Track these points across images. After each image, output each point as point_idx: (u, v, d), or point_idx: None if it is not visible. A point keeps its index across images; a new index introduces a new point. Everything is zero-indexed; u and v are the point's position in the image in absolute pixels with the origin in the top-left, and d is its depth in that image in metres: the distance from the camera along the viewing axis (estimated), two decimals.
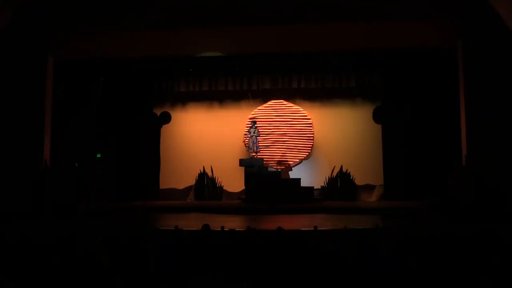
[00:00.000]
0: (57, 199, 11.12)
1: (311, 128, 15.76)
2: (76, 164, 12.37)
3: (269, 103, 16.10)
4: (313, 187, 14.16)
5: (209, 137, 15.60)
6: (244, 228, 8.19)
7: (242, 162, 14.47)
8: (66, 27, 11.19)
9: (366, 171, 14.00)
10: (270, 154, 15.33)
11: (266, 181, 13.71)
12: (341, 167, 14.21)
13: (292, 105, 15.96)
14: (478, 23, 10.18)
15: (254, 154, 14.63)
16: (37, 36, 11.07)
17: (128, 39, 11.70)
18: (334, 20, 11.01)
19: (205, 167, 15.56)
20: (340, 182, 14.36)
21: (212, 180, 15.09)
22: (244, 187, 14.43)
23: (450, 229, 8.61)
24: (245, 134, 15.52)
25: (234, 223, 9.52)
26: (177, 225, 8.31)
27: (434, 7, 10.49)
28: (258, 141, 14.73)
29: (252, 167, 14.18)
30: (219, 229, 6.46)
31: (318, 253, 4.05)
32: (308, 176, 14.78)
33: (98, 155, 12.99)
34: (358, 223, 9.70)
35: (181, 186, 15.14)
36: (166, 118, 16.27)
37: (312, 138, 15.66)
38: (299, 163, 15.34)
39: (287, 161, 15.28)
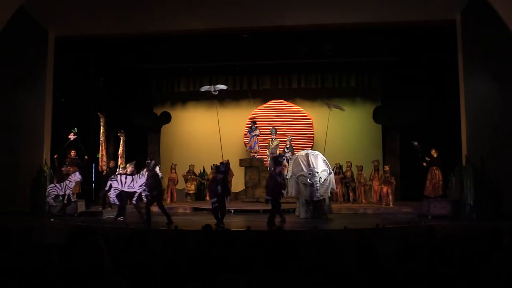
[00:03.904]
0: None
1: (311, 128, 15.76)
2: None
3: (269, 103, 16.11)
4: None
5: (209, 137, 15.58)
6: (244, 228, 8.22)
7: (242, 162, 14.46)
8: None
9: (366, 171, 13.98)
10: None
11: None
12: (341, 167, 14.20)
13: (292, 105, 15.97)
14: (478, 22, 10.18)
15: (254, 154, 14.62)
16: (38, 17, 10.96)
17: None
18: None
19: (205, 167, 15.56)
20: (340, 182, 14.33)
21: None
22: (244, 187, 14.43)
23: (450, 228, 8.64)
24: (245, 134, 15.52)
25: (234, 223, 9.54)
26: (177, 225, 8.36)
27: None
28: (258, 141, 14.72)
29: (252, 167, 14.18)
30: (219, 229, 6.45)
31: (318, 253, 4.05)
32: None
33: (98, 155, 12.98)
34: (358, 223, 9.72)
35: (181, 186, 15.12)
36: (166, 118, 16.29)
37: (312, 138, 15.67)
38: None
39: None
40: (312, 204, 10.48)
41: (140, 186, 10.51)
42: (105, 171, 12.33)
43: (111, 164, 12.55)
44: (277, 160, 9.80)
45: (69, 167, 11.46)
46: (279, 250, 3.39)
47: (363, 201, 13.72)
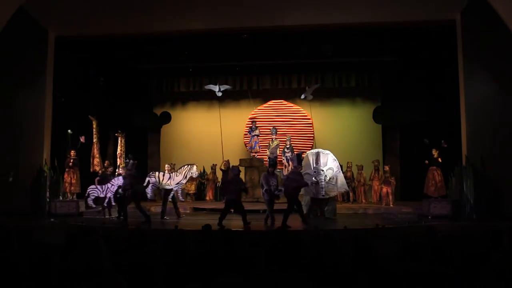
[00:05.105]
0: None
1: (311, 128, 15.77)
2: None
3: (269, 103, 16.12)
4: None
5: (209, 137, 15.60)
6: (244, 228, 8.21)
7: (242, 162, 14.46)
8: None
9: (366, 171, 13.98)
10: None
11: None
12: (341, 167, 14.17)
13: (292, 105, 15.98)
14: (478, 22, 10.18)
15: (254, 154, 14.62)
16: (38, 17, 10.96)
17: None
18: None
19: (205, 167, 15.56)
20: None
21: (212, 180, 15.06)
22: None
23: (450, 228, 8.64)
24: (245, 134, 15.52)
25: (234, 223, 9.53)
26: (177, 225, 8.35)
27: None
28: (259, 141, 14.72)
29: (252, 167, 14.18)
30: (219, 229, 6.45)
31: (318, 253, 4.05)
32: None
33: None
34: (358, 223, 9.72)
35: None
36: (166, 118, 16.30)
37: (312, 138, 15.67)
38: None
39: None
40: (315, 203, 10.46)
41: (177, 184, 10.65)
42: (100, 172, 12.32)
43: (106, 163, 12.56)
44: (300, 159, 9.75)
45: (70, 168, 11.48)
46: (279, 250, 3.38)
47: (363, 201, 13.72)
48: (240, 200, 9.47)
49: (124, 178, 10.11)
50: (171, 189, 10.61)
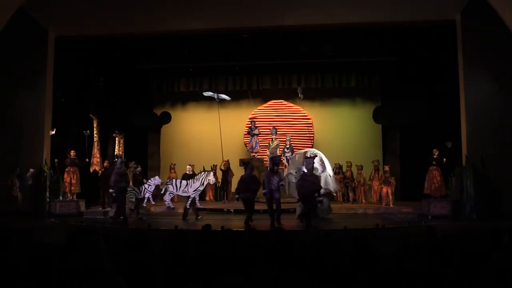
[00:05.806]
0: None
1: (311, 128, 15.76)
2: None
3: (269, 103, 16.12)
4: None
5: (209, 137, 15.59)
6: (244, 228, 8.22)
7: (242, 162, 14.45)
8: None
9: (366, 171, 13.98)
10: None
11: None
12: (341, 167, 14.19)
13: (292, 105, 15.97)
14: (478, 22, 10.18)
15: (254, 154, 14.61)
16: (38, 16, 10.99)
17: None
18: None
19: (204, 167, 15.55)
20: (340, 182, 14.33)
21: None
22: None
23: (450, 228, 8.64)
24: (245, 134, 15.52)
25: (234, 223, 9.54)
26: (177, 225, 8.36)
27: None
28: (259, 140, 14.72)
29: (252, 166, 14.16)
30: (219, 229, 6.45)
31: (318, 253, 4.05)
32: None
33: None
34: (358, 223, 9.72)
35: None
36: (166, 118, 16.30)
37: (312, 138, 15.67)
38: None
39: None
40: None
41: (195, 190, 10.77)
42: (99, 172, 12.31)
43: (106, 164, 12.54)
44: (313, 164, 9.75)
45: (69, 167, 11.49)
46: (279, 250, 3.39)
47: (363, 201, 13.71)
48: (254, 199, 9.49)
49: (112, 175, 10.19)
50: (189, 196, 10.75)
